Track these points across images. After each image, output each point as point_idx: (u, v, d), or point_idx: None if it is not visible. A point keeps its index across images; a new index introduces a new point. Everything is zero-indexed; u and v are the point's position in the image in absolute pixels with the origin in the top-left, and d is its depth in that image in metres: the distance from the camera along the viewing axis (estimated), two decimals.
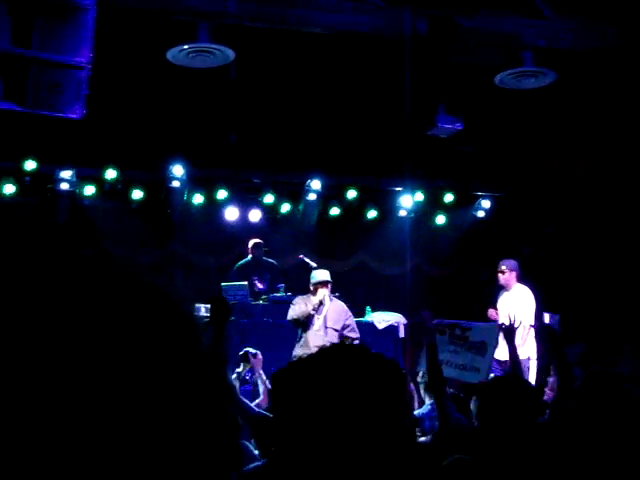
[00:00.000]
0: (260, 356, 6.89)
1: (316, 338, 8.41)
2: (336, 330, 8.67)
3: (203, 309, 4.27)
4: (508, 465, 3.32)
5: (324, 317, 8.67)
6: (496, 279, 9.47)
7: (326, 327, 8.63)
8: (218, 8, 8.53)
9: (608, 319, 10.74)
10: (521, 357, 8.68)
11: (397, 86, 9.43)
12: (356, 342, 8.06)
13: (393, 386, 1.78)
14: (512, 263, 9.50)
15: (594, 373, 4.26)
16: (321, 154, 11.18)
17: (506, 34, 9.37)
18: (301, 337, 8.67)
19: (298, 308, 8.65)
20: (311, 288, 8.77)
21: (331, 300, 8.80)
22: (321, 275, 8.84)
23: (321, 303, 8.62)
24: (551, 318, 6.41)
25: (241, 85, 10.07)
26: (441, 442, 4.10)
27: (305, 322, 8.59)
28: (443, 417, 4.14)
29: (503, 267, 9.40)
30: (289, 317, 8.68)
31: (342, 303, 8.95)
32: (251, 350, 6.78)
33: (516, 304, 9.04)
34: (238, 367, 6.59)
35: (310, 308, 8.58)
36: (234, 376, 6.46)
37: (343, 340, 8.24)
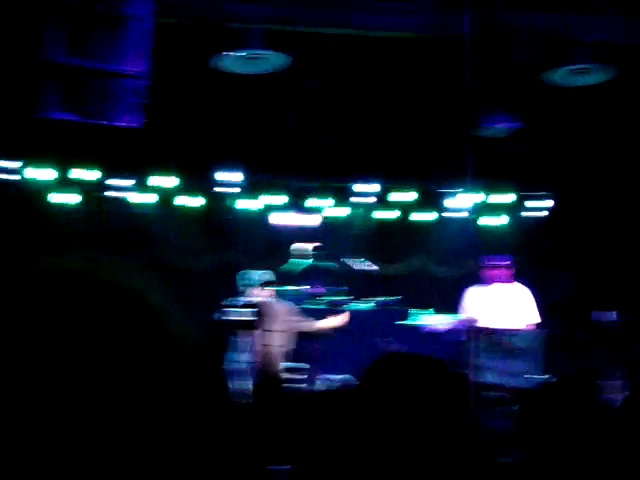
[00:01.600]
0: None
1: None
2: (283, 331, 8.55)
3: (233, 313, 4.24)
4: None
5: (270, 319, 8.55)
6: (492, 275, 8.99)
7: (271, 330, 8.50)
8: (271, 13, 8.55)
9: None
10: None
11: (452, 86, 9.33)
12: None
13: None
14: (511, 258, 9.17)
15: None
16: (376, 156, 11.12)
17: (562, 30, 9.21)
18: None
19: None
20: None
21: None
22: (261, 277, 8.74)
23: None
24: (619, 316, 6.24)
25: (295, 89, 10.06)
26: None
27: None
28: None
29: (509, 262, 9.04)
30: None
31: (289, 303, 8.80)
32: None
33: (520, 302, 8.87)
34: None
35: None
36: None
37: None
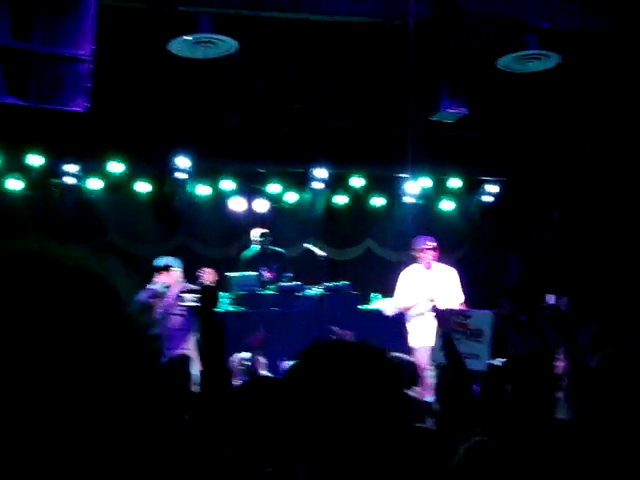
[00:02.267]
0: (261, 360, 6.75)
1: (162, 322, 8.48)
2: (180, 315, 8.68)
3: (189, 298, 4.26)
4: (519, 453, 3.30)
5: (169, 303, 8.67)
6: (418, 257, 9.15)
7: (169, 312, 8.62)
8: None
9: (617, 301, 10.72)
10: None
11: (401, 71, 9.40)
12: None
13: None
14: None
15: (609, 355, 4.23)
16: (326, 142, 11.17)
17: (510, 16, 9.32)
18: None
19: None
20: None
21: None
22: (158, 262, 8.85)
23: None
24: (558, 300, 6.36)
25: (244, 75, 10.05)
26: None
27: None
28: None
29: (435, 244, 9.16)
30: None
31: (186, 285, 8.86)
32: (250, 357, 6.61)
33: (449, 282, 9.03)
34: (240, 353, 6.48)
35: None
36: (235, 362, 6.35)
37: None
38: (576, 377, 4.33)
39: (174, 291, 8.60)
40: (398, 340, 9.91)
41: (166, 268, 8.74)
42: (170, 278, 8.72)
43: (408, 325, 9.03)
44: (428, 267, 9.09)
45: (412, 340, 8.91)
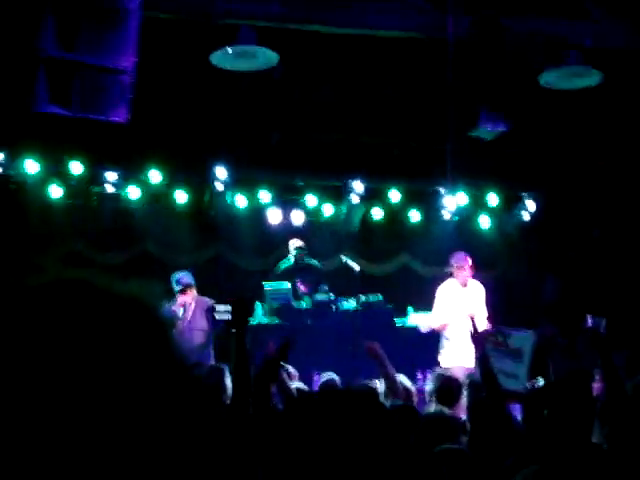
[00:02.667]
0: (294, 372, 6.72)
1: (182, 341, 8.39)
2: (203, 330, 8.62)
3: (222, 310, 4.22)
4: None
5: (189, 320, 8.62)
6: (455, 273, 9.09)
7: (191, 329, 8.58)
8: (262, 11, 8.59)
9: None
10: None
11: (441, 87, 9.38)
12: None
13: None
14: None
15: None
16: (364, 156, 11.17)
17: (552, 34, 9.28)
18: None
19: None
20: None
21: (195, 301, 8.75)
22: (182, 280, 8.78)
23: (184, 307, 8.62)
24: (595, 322, 6.27)
25: (284, 88, 10.10)
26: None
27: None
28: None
29: (469, 261, 9.09)
30: None
31: (207, 300, 8.84)
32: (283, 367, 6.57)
33: (479, 300, 8.96)
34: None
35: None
36: None
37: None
38: (612, 400, 4.28)
39: (197, 308, 8.63)
40: (432, 356, 9.88)
41: (190, 287, 8.77)
42: (190, 296, 8.74)
43: (443, 344, 8.94)
44: (464, 284, 9.03)
45: (445, 360, 8.83)
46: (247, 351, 3.51)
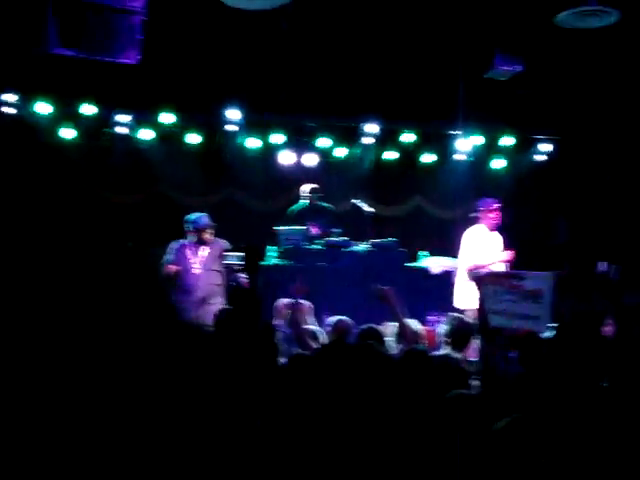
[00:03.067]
0: (306, 305, 6.71)
1: (198, 282, 8.41)
2: (218, 271, 8.60)
3: (235, 258, 4.23)
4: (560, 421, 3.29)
5: (204, 261, 8.60)
6: (483, 218, 8.89)
7: (207, 270, 8.55)
8: None
9: None
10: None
11: (455, 28, 9.25)
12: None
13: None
14: None
15: None
16: (378, 97, 11.06)
17: None
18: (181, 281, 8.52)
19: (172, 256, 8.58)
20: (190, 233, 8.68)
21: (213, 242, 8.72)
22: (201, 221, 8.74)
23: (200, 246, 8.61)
24: (606, 267, 6.25)
25: (297, 28, 9.97)
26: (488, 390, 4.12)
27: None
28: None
29: (497, 206, 8.92)
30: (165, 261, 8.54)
31: (222, 242, 8.71)
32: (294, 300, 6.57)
33: (501, 241, 8.93)
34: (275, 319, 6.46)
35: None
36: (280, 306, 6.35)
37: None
38: (622, 344, 4.32)
39: (213, 249, 8.60)
40: (444, 299, 9.92)
41: (209, 228, 8.74)
42: (209, 237, 8.71)
43: (459, 286, 8.93)
44: (492, 228, 8.95)
45: (461, 302, 8.84)
46: (258, 295, 3.55)
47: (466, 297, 8.71)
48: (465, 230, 9.02)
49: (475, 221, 8.97)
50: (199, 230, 8.61)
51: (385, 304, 5.90)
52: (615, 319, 4.84)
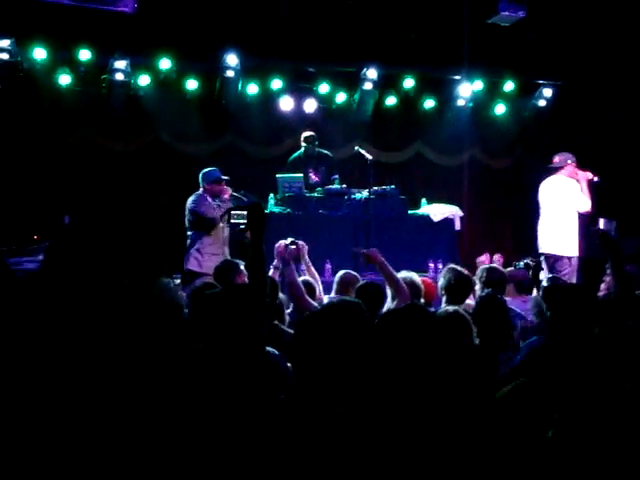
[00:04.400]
0: (301, 245, 6.63)
1: (224, 235, 8.37)
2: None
3: (237, 216, 4.19)
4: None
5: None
6: (565, 168, 8.81)
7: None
8: None
9: None
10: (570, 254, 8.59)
11: None
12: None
13: None
14: None
15: None
16: (379, 42, 10.90)
17: None
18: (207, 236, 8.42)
19: (211, 209, 8.41)
20: (207, 187, 8.52)
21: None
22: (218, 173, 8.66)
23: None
24: (606, 224, 6.24)
25: None
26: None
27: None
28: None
29: (574, 158, 8.87)
30: (209, 215, 8.31)
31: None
32: (286, 241, 6.51)
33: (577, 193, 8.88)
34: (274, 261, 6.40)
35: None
36: (271, 271, 6.30)
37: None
38: (623, 302, 4.30)
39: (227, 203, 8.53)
40: (444, 246, 9.93)
41: (222, 180, 8.65)
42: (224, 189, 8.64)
43: (557, 233, 8.75)
44: (571, 177, 8.86)
45: (560, 248, 8.68)
46: (263, 255, 3.49)
47: (566, 243, 8.60)
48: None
49: (555, 171, 8.86)
50: (218, 184, 8.55)
51: (374, 265, 5.80)
52: (614, 277, 4.80)
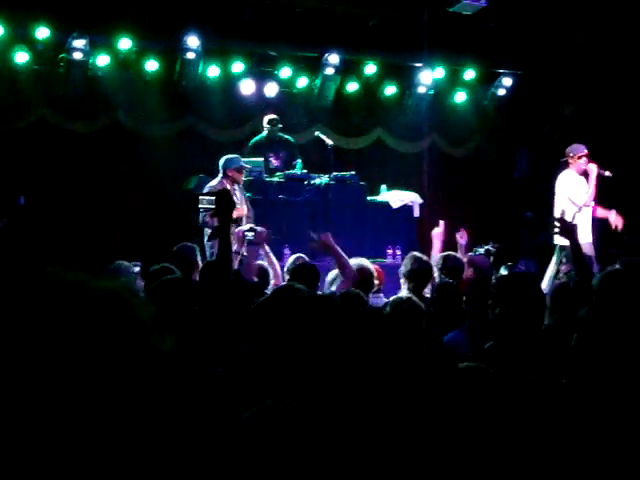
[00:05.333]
0: (263, 232, 6.69)
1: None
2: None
3: (205, 201, 4.14)
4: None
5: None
6: (574, 163, 8.91)
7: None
8: None
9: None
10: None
11: None
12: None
13: None
14: None
15: (612, 273, 4.25)
16: (340, 26, 10.87)
17: None
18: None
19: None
20: (229, 173, 8.51)
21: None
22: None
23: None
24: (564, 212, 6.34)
25: None
26: None
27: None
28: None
29: (585, 151, 8.98)
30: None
31: None
32: (245, 228, 6.60)
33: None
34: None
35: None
36: (240, 234, 6.33)
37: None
38: (582, 288, 4.35)
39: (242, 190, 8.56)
40: (402, 232, 9.99)
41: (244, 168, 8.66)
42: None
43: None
44: (581, 173, 8.93)
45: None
46: (230, 243, 3.49)
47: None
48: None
49: (566, 166, 8.92)
50: (240, 171, 8.52)
51: (327, 251, 5.90)
52: (574, 264, 4.88)
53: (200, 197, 4.31)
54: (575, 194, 8.76)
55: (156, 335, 1.00)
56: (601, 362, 2.97)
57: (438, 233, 7.10)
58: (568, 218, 8.59)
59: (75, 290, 0.98)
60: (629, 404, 2.60)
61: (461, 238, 7.39)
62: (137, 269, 6.78)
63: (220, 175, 8.47)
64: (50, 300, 0.95)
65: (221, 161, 8.56)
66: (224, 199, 3.61)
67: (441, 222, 7.27)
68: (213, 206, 3.67)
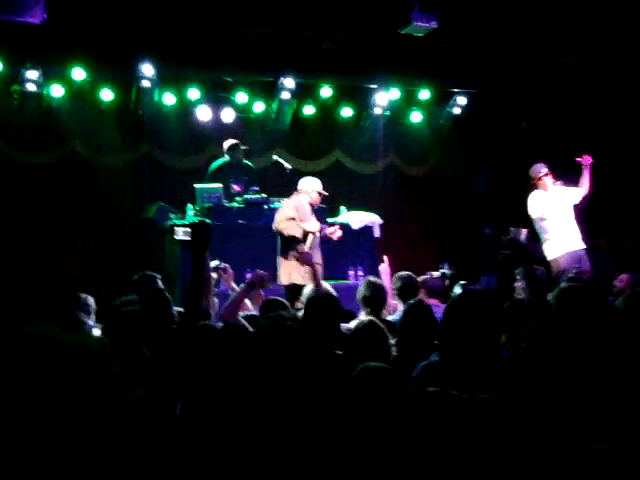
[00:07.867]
0: (230, 270, 6.84)
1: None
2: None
3: (181, 232, 4.08)
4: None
5: None
6: (538, 184, 9.07)
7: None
8: None
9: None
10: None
11: None
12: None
13: None
14: None
15: (567, 289, 4.30)
16: (295, 51, 10.92)
17: None
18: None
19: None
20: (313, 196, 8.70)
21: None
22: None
23: None
24: (515, 232, 6.38)
25: None
26: None
27: None
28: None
29: (545, 169, 9.12)
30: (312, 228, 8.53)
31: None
32: (220, 264, 6.71)
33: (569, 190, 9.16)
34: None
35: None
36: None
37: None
38: (535, 308, 4.38)
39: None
40: (364, 253, 10.02)
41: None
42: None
43: (545, 238, 8.93)
44: (547, 189, 9.01)
45: (552, 251, 8.85)
46: (205, 274, 3.48)
47: (554, 246, 8.78)
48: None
49: (534, 188, 9.02)
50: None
51: (309, 269, 6.09)
52: (527, 284, 4.93)
53: (175, 228, 4.28)
54: (547, 211, 8.88)
55: (125, 386, 1.05)
56: (546, 374, 3.01)
57: (384, 268, 7.09)
58: (551, 236, 8.79)
59: (51, 347, 1.05)
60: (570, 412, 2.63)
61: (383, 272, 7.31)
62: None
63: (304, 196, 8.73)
64: (27, 357, 1.02)
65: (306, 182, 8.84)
66: (198, 230, 3.58)
67: (385, 257, 7.27)
68: (189, 238, 3.62)
